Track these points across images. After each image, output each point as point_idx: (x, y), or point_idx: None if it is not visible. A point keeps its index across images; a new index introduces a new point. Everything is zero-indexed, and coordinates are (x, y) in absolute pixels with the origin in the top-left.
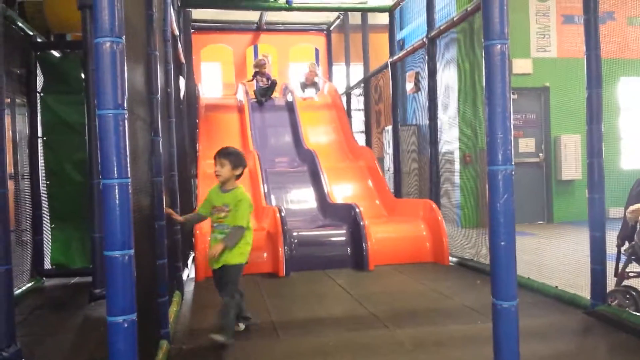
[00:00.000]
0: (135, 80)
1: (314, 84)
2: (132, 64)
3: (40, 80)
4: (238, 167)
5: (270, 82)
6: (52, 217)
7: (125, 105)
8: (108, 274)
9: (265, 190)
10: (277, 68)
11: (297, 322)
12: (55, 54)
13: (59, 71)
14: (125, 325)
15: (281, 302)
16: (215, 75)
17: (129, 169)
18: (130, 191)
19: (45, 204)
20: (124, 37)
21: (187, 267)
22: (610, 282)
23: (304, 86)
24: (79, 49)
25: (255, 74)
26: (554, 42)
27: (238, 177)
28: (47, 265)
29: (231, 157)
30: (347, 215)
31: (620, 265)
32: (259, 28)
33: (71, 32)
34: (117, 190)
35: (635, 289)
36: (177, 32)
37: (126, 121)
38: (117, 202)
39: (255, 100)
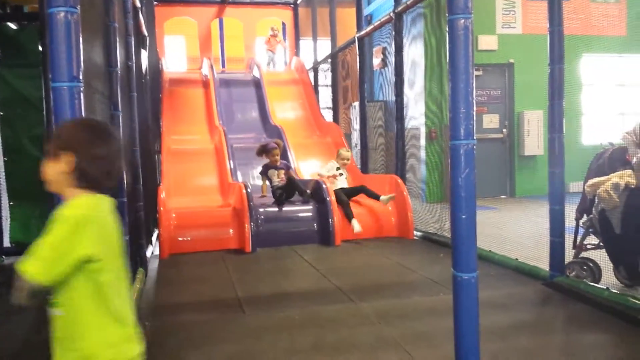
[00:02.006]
0: (93, 53)
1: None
2: (89, 35)
3: None
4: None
5: (288, 178)
6: (10, 195)
7: (80, 77)
8: None
9: (232, 167)
10: (243, 42)
11: (263, 297)
12: (12, 26)
13: (16, 44)
14: None
15: (247, 277)
16: (179, 49)
17: None
18: None
19: (3, 181)
20: (79, 7)
21: (151, 244)
22: (569, 254)
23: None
24: (36, 20)
25: (266, 168)
26: (519, 18)
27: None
28: (7, 243)
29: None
30: (314, 191)
31: (579, 237)
32: (224, 1)
33: (28, 4)
34: None
35: (592, 261)
36: (138, 3)
37: (82, 94)
38: None
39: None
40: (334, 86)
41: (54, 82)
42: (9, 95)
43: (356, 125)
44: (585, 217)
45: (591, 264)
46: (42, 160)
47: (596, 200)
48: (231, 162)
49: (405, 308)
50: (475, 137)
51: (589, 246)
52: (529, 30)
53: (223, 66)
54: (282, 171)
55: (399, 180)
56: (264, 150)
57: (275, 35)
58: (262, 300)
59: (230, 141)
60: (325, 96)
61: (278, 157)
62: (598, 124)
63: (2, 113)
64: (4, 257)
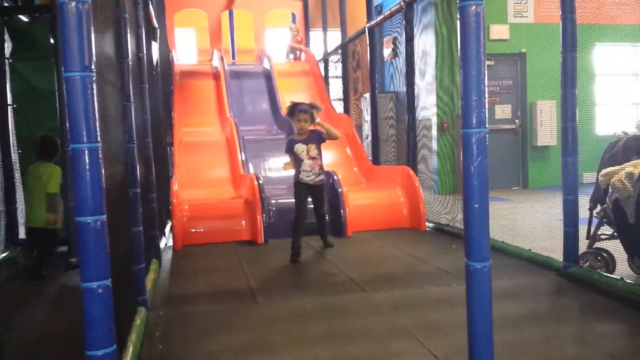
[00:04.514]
0: (104, 43)
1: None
2: (101, 26)
3: (8, 46)
4: None
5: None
6: (25, 187)
7: (93, 67)
8: (80, 240)
9: (243, 159)
10: (252, 34)
11: (276, 287)
12: (24, 18)
13: (28, 36)
14: (100, 291)
15: (259, 268)
16: (189, 41)
17: (98, 133)
18: (100, 156)
19: (18, 173)
20: None
21: (164, 235)
22: (582, 245)
23: (290, 51)
24: (47, 12)
25: (291, 143)
26: (531, 7)
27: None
28: (22, 234)
29: None
30: (325, 183)
31: (592, 228)
32: None
33: None
34: (86, 155)
35: (606, 251)
36: None
37: (94, 84)
38: (87, 167)
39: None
40: (345, 77)
41: (66, 72)
42: (22, 87)
43: (367, 116)
44: (599, 207)
45: (605, 254)
46: None
47: (610, 189)
48: (242, 153)
49: (418, 298)
50: (487, 127)
51: (602, 236)
52: (541, 19)
53: (233, 58)
54: (313, 146)
55: (411, 172)
56: (292, 111)
57: (296, 35)
58: (274, 290)
59: (242, 133)
60: (336, 87)
61: (305, 125)
62: (611, 113)
63: (15, 105)
64: (19, 248)
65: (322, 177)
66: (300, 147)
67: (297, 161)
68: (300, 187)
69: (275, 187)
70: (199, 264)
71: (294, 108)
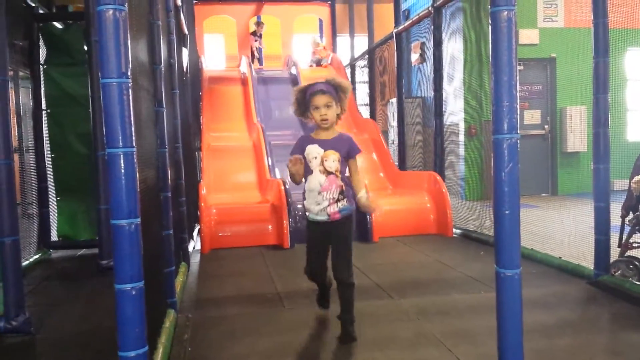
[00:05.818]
0: (138, 50)
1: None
2: (135, 33)
3: (43, 52)
4: None
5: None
6: (57, 190)
7: (129, 73)
8: (115, 243)
9: (270, 163)
10: (280, 40)
11: (302, 292)
12: (58, 25)
13: (62, 43)
14: (133, 292)
15: (286, 273)
16: (218, 47)
17: (133, 137)
18: (135, 160)
19: (50, 177)
20: (126, 4)
21: (192, 239)
22: (614, 253)
23: (316, 61)
24: (81, 20)
25: (302, 142)
26: (561, 11)
27: None
28: (54, 237)
29: None
30: (351, 188)
31: (624, 236)
32: None
33: (73, 3)
34: (122, 160)
35: (638, 259)
36: (179, 2)
37: (130, 90)
38: (123, 171)
39: None
40: (371, 82)
41: (103, 79)
42: (56, 93)
43: (393, 121)
44: (631, 215)
45: (637, 263)
46: (88, 156)
47: None
48: (269, 158)
49: (445, 305)
50: (518, 131)
51: (635, 244)
52: (571, 23)
53: (261, 64)
54: (335, 156)
55: (438, 177)
56: (302, 100)
57: (317, 46)
58: (301, 295)
59: (268, 138)
60: (362, 93)
61: (328, 113)
62: None
63: (49, 110)
64: (51, 250)
65: (342, 205)
66: (313, 150)
67: (306, 167)
68: (308, 227)
69: (301, 192)
70: (226, 267)
71: (305, 92)
